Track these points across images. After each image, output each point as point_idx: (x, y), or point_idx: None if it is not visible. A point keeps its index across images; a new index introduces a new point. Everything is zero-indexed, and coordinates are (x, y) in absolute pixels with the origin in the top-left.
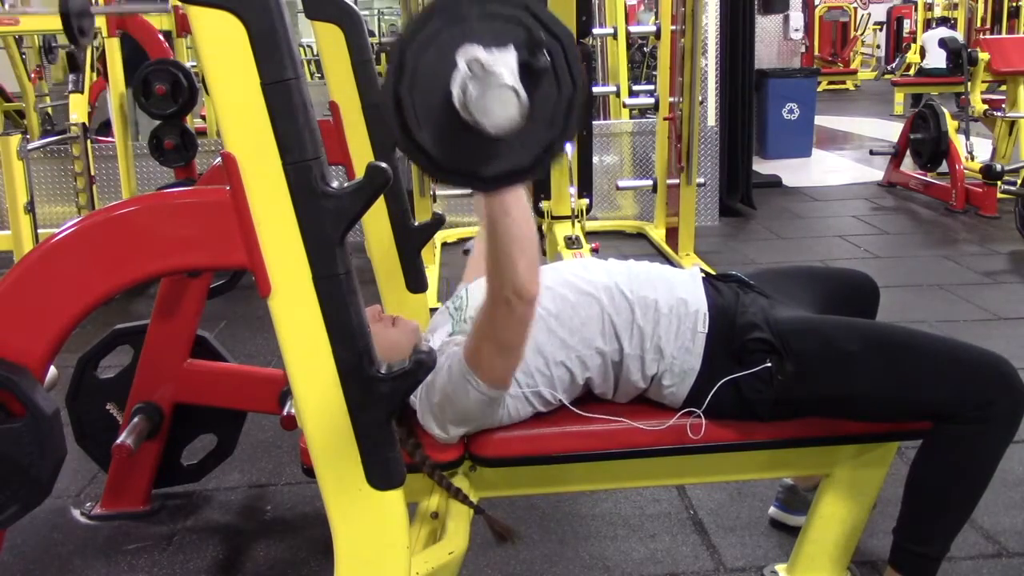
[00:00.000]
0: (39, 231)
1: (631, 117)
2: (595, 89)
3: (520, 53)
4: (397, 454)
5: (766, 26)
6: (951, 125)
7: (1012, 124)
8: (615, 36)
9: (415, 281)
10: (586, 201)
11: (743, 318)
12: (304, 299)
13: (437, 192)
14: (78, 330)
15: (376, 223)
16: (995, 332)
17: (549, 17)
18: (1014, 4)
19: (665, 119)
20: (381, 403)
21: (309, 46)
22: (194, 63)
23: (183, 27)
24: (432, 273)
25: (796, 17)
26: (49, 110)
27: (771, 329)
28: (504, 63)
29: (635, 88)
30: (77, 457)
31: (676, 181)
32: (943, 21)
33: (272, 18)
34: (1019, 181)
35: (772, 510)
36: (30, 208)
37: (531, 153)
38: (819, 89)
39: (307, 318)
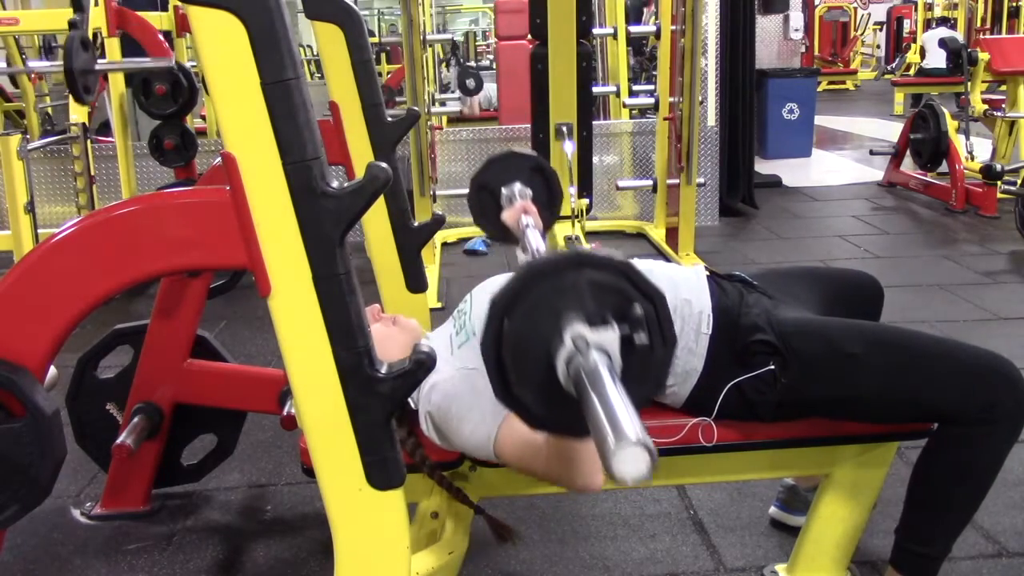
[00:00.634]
0: (39, 231)
1: (631, 117)
2: (595, 89)
3: (621, 327)
4: (397, 454)
5: (766, 26)
6: (951, 125)
7: (1012, 124)
8: (615, 36)
9: (415, 281)
10: (586, 201)
11: (746, 319)
12: (304, 299)
13: (437, 192)
14: (78, 330)
15: (376, 223)
16: (995, 332)
17: (645, 282)
18: (1014, 4)
19: (665, 119)
20: (381, 403)
21: (309, 46)
22: (194, 63)
23: (183, 27)
24: (432, 273)
25: (796, 17)
26: (49, 110)
27: (774, 331)
28: (607, 343)
29: (635, 88)
30: (77, 457)
31: (676, 181)
32: (943, 21)
33: (272, 18)
34: (1019, 181)
35: (772, 510)
36: (30, 208)
37: None
38: (819, 89)
39: (307, 318)
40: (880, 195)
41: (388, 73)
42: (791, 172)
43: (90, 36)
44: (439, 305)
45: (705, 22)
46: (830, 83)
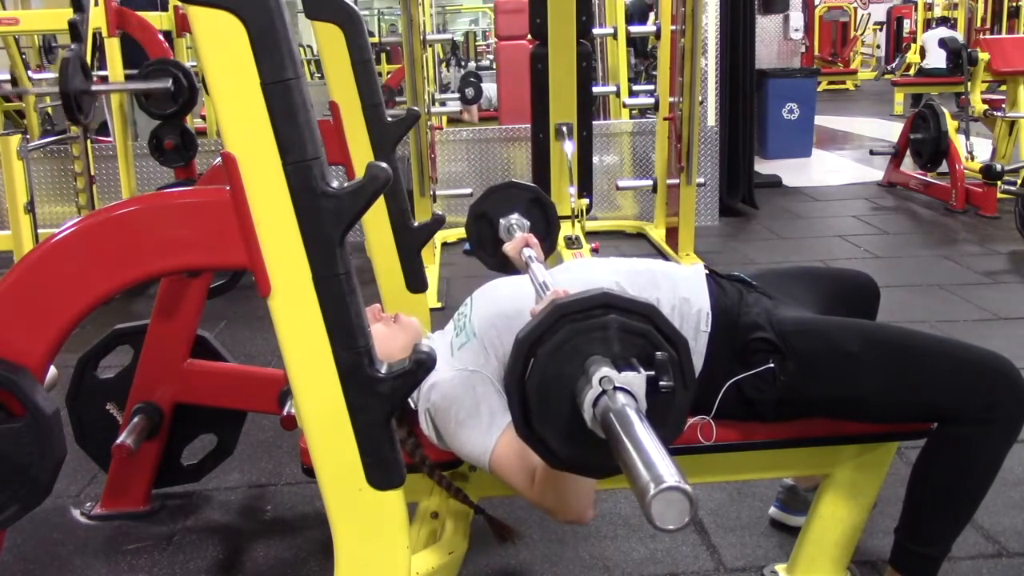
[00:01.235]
0: (39, 231)
1: (631, 117)
2: (595, 89)
3: (647, 370)
4: (397, 454)
5: (766, 26)
6: (951, 125)
7: (1012, 124)
8: (615, 36)
9: (415, 281)
10: (586, 201)
11: (746, 317)
12: (304, 299)
13: (437, 192)
14: (78, 330)
15: (376, 223)
16: (995, 332)
17: (669, 327)
18: (1014, 4)
19: (665, 119)
20: (381, 403)
21: (309, 46)
22: (194, 63)
23: (183, 27)
24: (432, 273)
25: (796, 17)
26: (49, 110)
27: (774, 329)
28: (633, 385)
29: (635, 88)
30: (77, 457)
31: (676, 181)
32: (943, 21)
33: (272, 18)
34: (1019, 181)
35: (772, 510)
36: (30, 208)
37: None
38: (819, 89)
39: (307, 318)
40: (880, 195)
41: (388, 73)
42: (791, 172)
43: (90, 36)
44: (439, 305)
45: (705, 22)
46: (830, 83)
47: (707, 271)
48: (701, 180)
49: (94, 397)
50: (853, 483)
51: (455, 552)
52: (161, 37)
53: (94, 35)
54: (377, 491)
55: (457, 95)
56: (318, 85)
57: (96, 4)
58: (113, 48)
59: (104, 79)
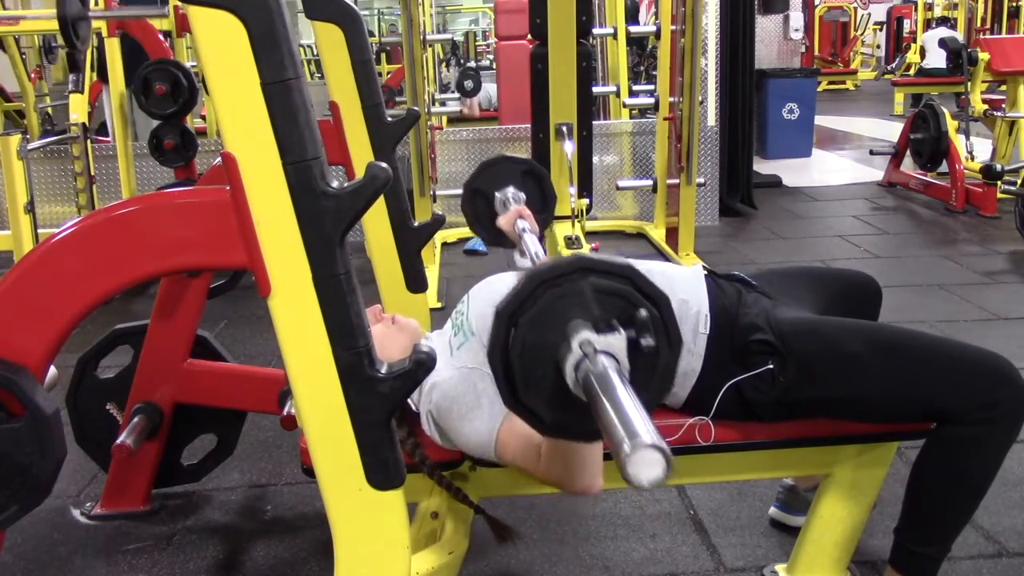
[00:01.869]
0: (39, 231)
1: (631, 117)
2: (595, 89)
3: (627, 331)
4: (397, 454)
5: (766, 26)
6: (951, 125)
7: (1012, 124)
8: (615, 36)
9: (415, 281)
10: (586, 201)
11: (745, 319)
12: (304, 299)
13: (437, 192)
14: (78, 330)
15: (376, 223)
16: (995, 332)
17: (650, 286)
18: (1014, 4)
19: (665, 119)
20: (381, 403)
21: (309, 46)
22: (194, 63)
23: (183, 27)
24: (432, 273)
25: (796, 17)
26: (49, 110)
27: (773, 330)
28: (615, 347)
29: (635, 88)
30: (77, 457)
31: (676, 181)
32: (943, 21)
33: (272, 18)
34: (1019, 181)
35: (772, 510)
36: (30, 208)
37: None
38: (819, 89)
39: (307, 318)
40: (880, 195)
41: (388, 73)
42: (791, 172)
43: (90, 36)
44: (439, 305)
45: (705, 22)
46: (830, 83)
47: (705, 271)
48: (701, 180)
49: (94, 397)
50: (853, 483)
51: (455, 552)
52: (161, 37)
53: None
54: (377, 491)
55: (457, 95)
56: (318, 85)
57: (96, 4)
58: (113, 48)
59: (105, 80)
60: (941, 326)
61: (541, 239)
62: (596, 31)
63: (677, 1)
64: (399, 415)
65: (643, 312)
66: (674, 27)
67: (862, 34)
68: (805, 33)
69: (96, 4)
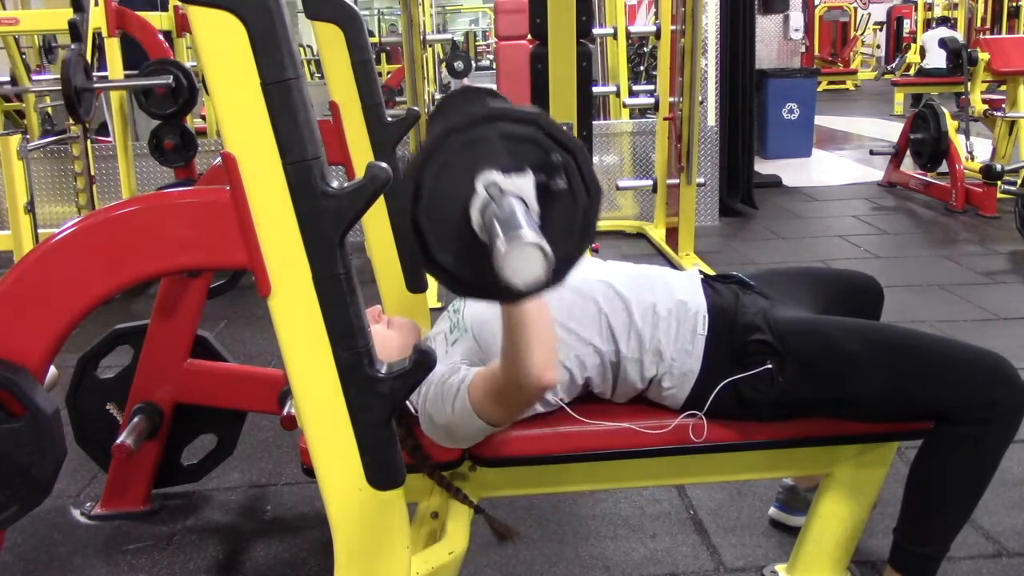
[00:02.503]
0: (39, 231)
1: (631, 117)
2: (595, 89)
3: (537, 175)
4: (397, 454)
5: (766, 26)
6: (951, 125)
7: (1012, 124)
8: (615, 36)
9: (415, 281)
10: None
11: (743, 319)
12: (304, 299)
13: None
14: (78, 330)
15: (376, 223)
16: (995, 332)
17: (560, 133)
18: (1014, 4)
19: (665, 119)
20: (381, 403)
21: (309, 46)
22: (194, 63)
23: (183, 27)
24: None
25: (796, 17)
26: (49, 110)
27: (771, 330)
28: (522, 188)
29: (635, 88)
30: (77, 457)
31: (676, 181)
32: (943, 21)
33: (272, 18)
34: (1019, 181)
35: (772, 510)
36: (30, 208)
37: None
38: (819, 89)
39: (307, 318)
40: (880, 195)
41: (388, 73)
42: (791, 172)
43: (90, 36)
44: (439, 305)
45: (705, 22)
46: (830, 83)
47: (701, 276)
48: (701, 180)
49: (94, 397)
50: (853, 483)
51: (455, 552)
52: (161, 37)
53: (94, 35)
54: (377, 491)
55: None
56: (318, 85)
57: (96, 4)
58: (113, 48)
59: (105, 79)
60: (941, 326)
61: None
62: (596, 31)
63: (677, 1)
64: (398, 415)
65: (555, 157)
66: (674, 27)
67: (862, 34)
68: (805, 33)
69: (95, 4)
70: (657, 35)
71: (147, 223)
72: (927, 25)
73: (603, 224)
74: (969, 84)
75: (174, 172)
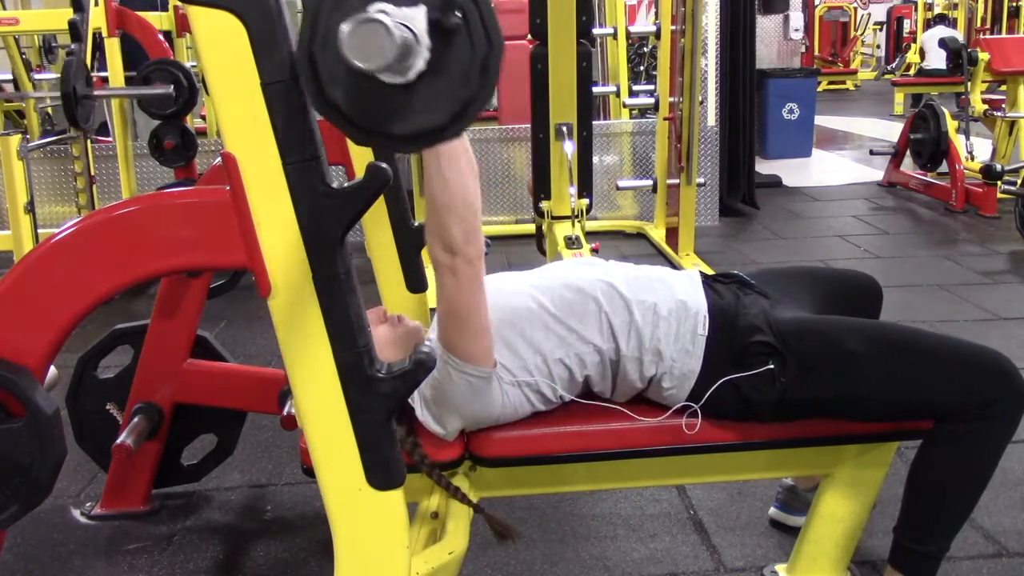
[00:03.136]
0: (39, 231)
1: (631, 117)
2: (595, 89)
3: (432, 12)
4: (397, 454)
5: (766, 26)
6: (951, 125)
7: (1012, 124)
8: (615, 36)
9: (415, 281)
10: (586, 201)
11: (744, 320)
12: (304, 299)
13: None
14: (78, 330)
15: (376, 223)
16: (995, 332)
17: None
18: (1014, 4)
19: (665, 119)
20: (381, 403)
21: None
22: (194, 63)
23: (183, 27)
24: (432, 273)
25: (796, 17)
26: (49, 110)
27: (773, 331)
28: (410, 18)
29: (635, 88)
30: (77, 457)
31: (676, 181)
32: (940, 19)
33: (272, 18)
34: (1019, 181)
35: (772, 510)
36: (30, 208)
37: (447, 111)
38: (819, 89)
39: (307, 318)
40: (880, 195)
41: None
42: (791, 172)
43: (89, 36)
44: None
45: (705, 22)
46: (830, 83)
47: (701, 276)
48: (701, 180)
49: (94, 397)
50: (853, 483)
51: (455, 552)
52: (161, 37)
53: (94, 35)
54: (377, 491)
55: None
56: None
57: (96, 4)
58: (113, 48)
59: (105, 80)
60: (941, 326)
61: (542, 237)
62: (596, 31)
63: (677, 1)
64: (398, 415)
65: None
66: (674, 27)
67: (862, 34)
68: (805, 33)
69: (96, 4)
70: (657, 35)
71: (147, 223)
72: (927, 25)
73: (603, 224)
74: (969, 84)
75: (174, 172)
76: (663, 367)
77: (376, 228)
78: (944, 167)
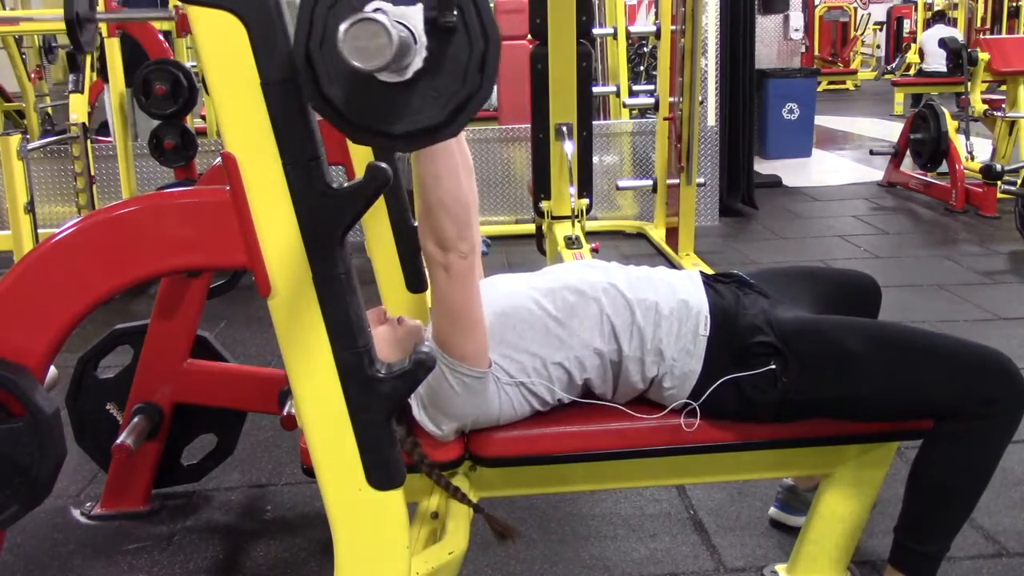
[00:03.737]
0: (39, 231)
1: (631, 117)
2: (595, 89)
3: (429, 10)
4: (397, 454)
5: (766, 26)
6: (951, 125)
7: (1012, 124)
8: (615, 36)
9: (415, 281)
10: (586, 201)
11: (745, 320)
12: (304, 299)
13: None
14: (78, 330)
15: (376, 223)
16: (995, 332)
17: None
18: (1014, 4)
19: (665, 119)
20: (381, 403)
21: None
22: (194, 63)
23: (183, 27)
24: None
25: (796, 17)
26: (49, 110)
27: (774, 331)
28: (408, 16)
29: (635, 88)
30: (77, 457)
31: (676, 181)
32: (939, 17)
33: (272, 18)
34: (1019, 181)
35: (772, 510)
36: (30, 208)
37: (444, 110)
38: (819, 89)
39: (307, 318)
40: (880, 195)
41: None
42: (791, 172)
43: (95, 39)
44: None
45: (705, 22)
46: (830, 83)
47: (701, 276)
48: (701, 180)
49: (94, 397)
50: (853, 483)
51: (455, 552)
52: (161, 37)
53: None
54: (377, 491)
55: None
56: None
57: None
58: (113, 48)
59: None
60: (941, 326)
61: (542, 237)
62: (596, 31)
63: (677, 1)
64: (398, 415)
65: None
66: (674, 27)
67: (862, 34)
68: (805, 33)
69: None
70: (657, 35)
71: (147, 223)
72: (926, 25)
73: (603, 224)
74: (969, 84)
75: (174, 172)
76: (664, 367)
77: (376, 228)
78: (944, 167)
